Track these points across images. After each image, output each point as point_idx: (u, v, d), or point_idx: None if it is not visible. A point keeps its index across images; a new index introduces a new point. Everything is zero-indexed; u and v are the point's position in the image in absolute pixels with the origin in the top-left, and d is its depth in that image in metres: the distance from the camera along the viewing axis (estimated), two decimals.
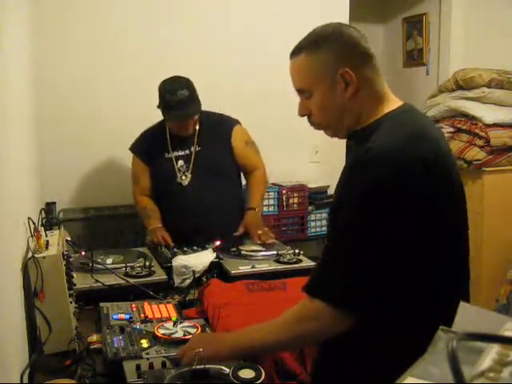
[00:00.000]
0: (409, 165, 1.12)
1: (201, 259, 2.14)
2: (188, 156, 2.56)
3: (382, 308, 1.16)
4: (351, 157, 1.27)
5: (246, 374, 1.24)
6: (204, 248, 2.27)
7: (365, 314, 1.16)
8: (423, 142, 1.18)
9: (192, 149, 2.56)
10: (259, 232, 2.41)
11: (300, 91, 1.30)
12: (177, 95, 2.39)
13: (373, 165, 1.13)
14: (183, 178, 2.55)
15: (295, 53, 1.29)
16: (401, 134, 1.18)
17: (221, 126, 2.61)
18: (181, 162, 2.56)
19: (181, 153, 2.57)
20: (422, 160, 1.13)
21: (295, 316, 1.24)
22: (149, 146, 2.61)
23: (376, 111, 1.26)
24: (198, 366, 1.26)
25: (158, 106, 2.47)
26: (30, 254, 1.54)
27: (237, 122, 2.65)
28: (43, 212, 2.10)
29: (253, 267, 2.11)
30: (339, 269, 1.18)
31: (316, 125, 1.33)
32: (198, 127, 2.56)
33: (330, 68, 1.23)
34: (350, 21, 3.58)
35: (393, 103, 1.28)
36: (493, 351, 0.58)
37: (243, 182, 2.76)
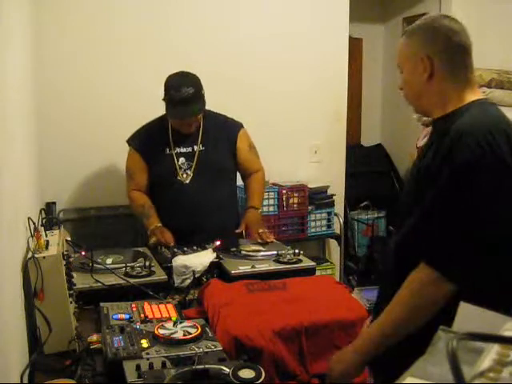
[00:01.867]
0: (503, 136, 1.23)
1: (201, 259, 2.14)
2: (190, 154, 2.54)
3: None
4: (444, 138, 1.31)
5: (246, 374, 1.24)
6: (204, 248, 2.27)
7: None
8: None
9: (195, 147, 2.54)
10: (260, 231, 2.43)
11: (398, 66, 1.46)
12: (181, 92, 2.36)
13: (473, 136, 1.22)
14: (184, 175, 2.53)
15: (403, 34, 1.45)
16: (492, 114, 1.32)
17: (226, 128, 2.61)
18: (182, 160, 2.54)
19: (183, 150, 2.54)
20: None
21: (420, 280, 1.27)
22: (149, 140, 2.57)
23: (460, 99, 1.36)
24: (198, 366, 1.27)
25: (164, 99, 2.45)
26: (30, 254, 1.54)
27: (241, 125, 2.65)
28: (43, 212, 2.10)
29: (253, 267, 2.11)
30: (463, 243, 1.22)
31: (406, 99, 1.48)
32: (202, 126, 2.55)
33: (415, 52, 1.38)
34: (349, 21, 3.59)
35: (476, 94, 1.39)
36: (493, 351, 0.58)
37: (239, 181, 2.77)
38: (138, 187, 2.59)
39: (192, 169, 2.53)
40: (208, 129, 2.56)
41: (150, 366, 1.31)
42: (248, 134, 2.67)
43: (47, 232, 1.83)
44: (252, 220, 2.52)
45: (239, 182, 2.77)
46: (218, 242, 2.30)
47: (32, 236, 1.62)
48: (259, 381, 1.22)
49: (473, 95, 1.37)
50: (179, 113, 2.44)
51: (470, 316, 0.65)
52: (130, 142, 2.60)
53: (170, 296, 1.97)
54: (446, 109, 1.37)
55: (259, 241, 2.39)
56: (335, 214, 3.60)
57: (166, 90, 2.43)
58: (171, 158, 2.53)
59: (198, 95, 2.43)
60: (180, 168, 2.53)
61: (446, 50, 1.36)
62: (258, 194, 2.67)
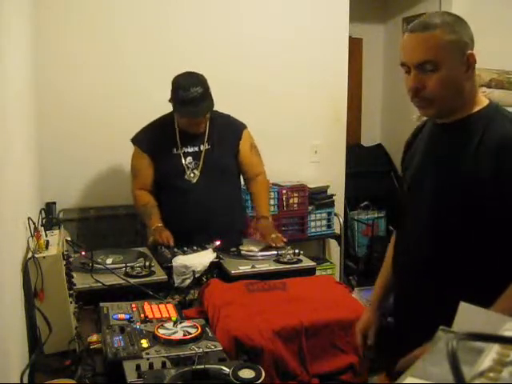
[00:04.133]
0: None
1: (201, 259, 2.14)
2: (197, 153, 2.54)
3: None
4: (475, 140, 1.29)
5: (246, 374, 1.24)
6: (204, 248, 2.27)
7: None
8: None
9: (202, 147, 2.54)
10: (273, 236, 2.44)
11: (424, 63, 1.32)
12: (190, 92, 2.36)
13: None
14: (192, 175, 2.53)
15: (425, 28, 1.32)
16: None
17: (230, 128, 2.62)
18: (189, 159, 2.54)
19: (190, 149, 2.54)
20: None
21: None
22: (155, 139, 2.57)
23: (478, 100, 1.35)
24: (198, 366, 1.27)
25: (170, 100, 2.45)
26: (30, 254, 1.54)
27: (245, 126, 2.66)
28: (43, 212, 2.10)
29: (253, 267, 2.12)
30: None
31: (422, 100, 1.35)
32: (208, 125, 2.55)
33: (461, 49, 1.31)
34: (350, 21, 3.59)
35: (483, 96, 1.37)
36: (493, 351, 0.58)
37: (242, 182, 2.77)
38: (143, 186, 2.59)
39: (199, 168, 2.53)
40: (214, 128, 2.57)
41: (150, 366, 1.31)
42: (251, 135, 2.68)
43: (47, 232, 1.83)
44: (264, 227, 2.54)
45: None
46: (217, 242, 2.30)
47: (32, 236, 1.62)
48: (259, 381, 1.22)
49: (482, 96, 1.36)
50: (190, 112, 2.44)
51: (470, 316, 0.65)
52: (134, 141, 2.60)
53: (170, 296, 1.97)
54: (465, 110, 1.34)
55: (273, 245, 2.38)
56: (335, 214, 3.60)
57: (174, 90, 2.42)
58: (179, 158, 2.53)
59: (207, 94, 2.44)
60: (187, 168, 2.53)
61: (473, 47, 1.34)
62: (264, 202, 2.68)
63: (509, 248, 1.25)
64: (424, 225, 1.42)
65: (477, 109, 1.33)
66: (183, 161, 2.53)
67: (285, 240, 2.46)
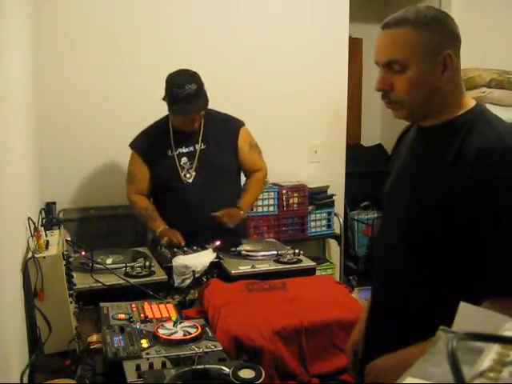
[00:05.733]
0: None
1: (201, 259, 2.14)
2: (192, 153, 2.54)
3: None
4: (449, 148, 1.20)
5: (246, 374, 1.24)
6: (204, 248, 2.27)
7: None
8: None
9: (196, 146, 2.54)
10: (225, 219, 2.48)
11: (391, 63, 1.25)
12: (184, 89, 2.36)
13: None
14: (187, 175, 2.53)
15: (396, 24, 1.22)
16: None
17: (227, 126, 2.61)
18: (184, 160, 2.54)
19: (184, 150, 2.55)
20: None
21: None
22: (151, 143, 2.57)
23: (463, 103, 1.24)
24: (198, 366, 1.27)
25: (164, 99, 2.45)
26: (30, 254, 1.54)
27: (242, 123, 2.65)
28: (43, 212, 2.10)
29: (253, 267, 2.12)
30: None
31: (392, 102, 1.29)
32: (202, 124, 2.55)
33: (436, 48, 1.20)
34: (350, 21, 3.59)
35: (469, 96, 1.27)
36: (493, 351, 0.58)
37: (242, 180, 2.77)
38: (139, 191, 2.60)
39: (194, 168, 2.53)
40: (209, 127, 2.56)
41: (150, 366, 1.31)
42: (249, 131, 2.67)
43: (47, 232, 1.83)
44: (229, 212, 2.52)
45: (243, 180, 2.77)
46: (218, 242, 2.30)
47: (32, 236, 1.62)
48: (259, 381, 1.22)
49: (468, 99, 1.25)
50: (184, 110, 2.43)
51: (469, 316, 0.65)
52: (132, 146, 2.61)
53: (170, 296, 1.97)
54: (447, 114, 1.23)
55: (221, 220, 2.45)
56: (335, 214, 3.60)
57: (168, 88, 2.42)
58: (173, 159, 2.54)
59: (201, 91, 2.43)
60: (183, 168, 2.53)
61: (459, 46, 1.23)
62: (249, 196, 2.68)
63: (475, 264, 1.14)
64: (397, 239, 1.33)
65: (460, 112, 1.23)
66: (178, 162, 2.53)
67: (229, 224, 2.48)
